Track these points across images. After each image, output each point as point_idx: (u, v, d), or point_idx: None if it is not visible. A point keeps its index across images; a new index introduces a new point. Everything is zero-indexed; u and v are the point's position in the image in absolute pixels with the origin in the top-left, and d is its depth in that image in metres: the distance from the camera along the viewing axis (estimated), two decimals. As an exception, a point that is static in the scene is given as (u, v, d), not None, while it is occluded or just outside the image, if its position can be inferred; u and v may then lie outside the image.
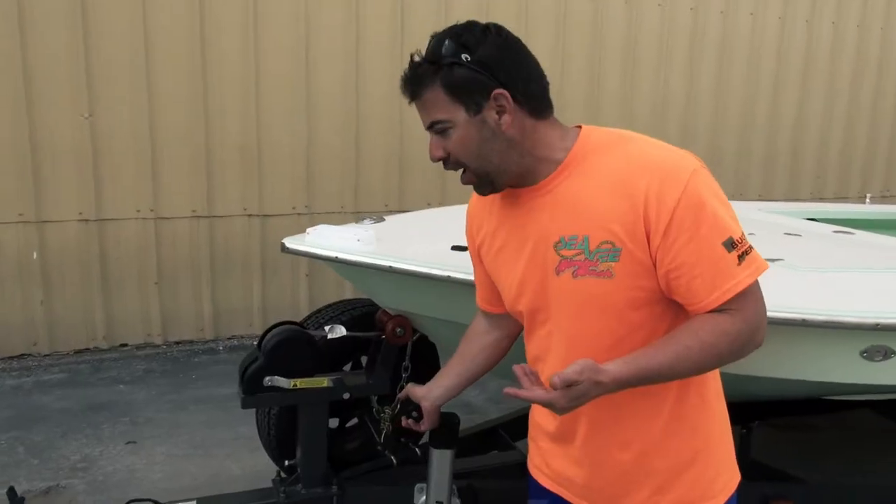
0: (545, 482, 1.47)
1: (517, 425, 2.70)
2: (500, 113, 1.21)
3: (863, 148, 6.96)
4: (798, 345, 1.72)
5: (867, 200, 4.19)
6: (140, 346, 4.56)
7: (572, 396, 1.13)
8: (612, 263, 1.19)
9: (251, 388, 1.98)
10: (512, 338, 1.63)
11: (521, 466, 2.42)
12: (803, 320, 1.61)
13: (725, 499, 1.34)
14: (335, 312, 2.43)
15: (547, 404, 1.15)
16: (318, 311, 2.47)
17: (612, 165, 1.21)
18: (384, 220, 2.39)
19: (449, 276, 1.80)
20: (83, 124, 4.22)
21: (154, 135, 4.39)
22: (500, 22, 1.26)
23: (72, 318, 4.37)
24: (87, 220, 4.32)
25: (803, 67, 6.47)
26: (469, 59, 1.18)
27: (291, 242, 1.97)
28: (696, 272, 1.15)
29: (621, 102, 5.82)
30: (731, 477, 1.37)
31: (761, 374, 1.68)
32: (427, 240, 2.20)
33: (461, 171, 1.27)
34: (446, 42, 1.19)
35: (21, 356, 4.29)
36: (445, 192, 5.25)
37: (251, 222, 4.75)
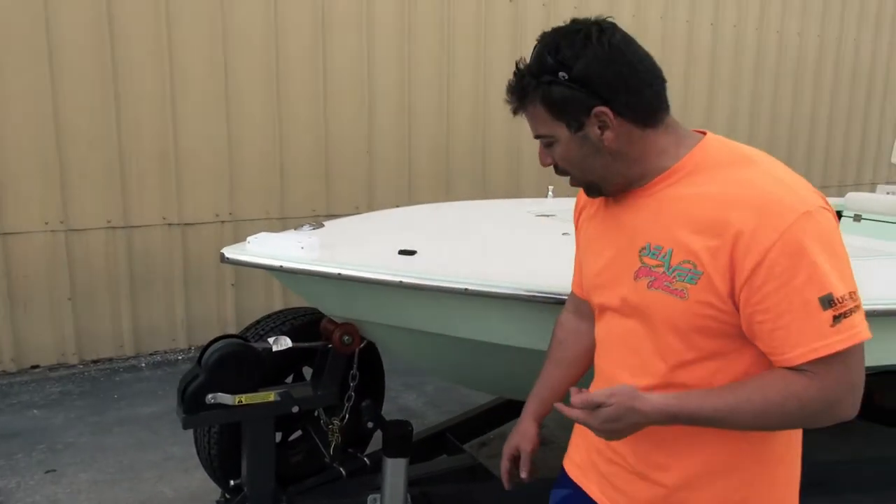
0: (575, 474, 1.43)
1: (465, 428, 2.71)
2: (602, 128, 1.18)
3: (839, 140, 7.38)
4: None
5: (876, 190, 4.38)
6: (53, 367, 4.27)
7: (604, 419, 1.11)
8: (689, 285, 1.13)
9: (192, 407, 1.88)
10: None
11: (472, 469, 2.45)
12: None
13: None
14: (275, 323, 2.35)
15: (585, 425, 1.14)
16: (257, 322, 2.39)
17: (721, 185, 1.13)
18: (324, 225, 2.32)
19: (401, 282, 1.77)
20: (-19, 131, 3.91)
21: (60, 139, 4.11)
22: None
23: (-26, 341, 4.05)
24: (-12, 235, 4.01)
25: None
26: (567, 77, 1.14)
27: (231, 252, 1.88)
28: (782, 322, 1.06)
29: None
30: None
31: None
32: (371, 244, 2.15)
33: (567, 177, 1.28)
34: (546, 56, 1.16)
35: (-83, 385, 3.93)
36: (372, 197, 5.19)
37: (171, 231, 4.54)
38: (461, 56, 5.40)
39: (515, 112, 1.23)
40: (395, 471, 1.95)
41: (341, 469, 2.26)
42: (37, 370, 4.22)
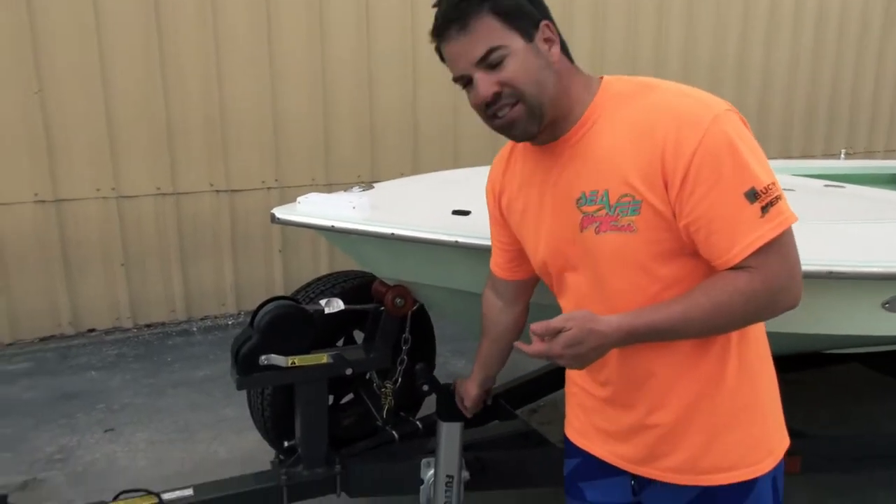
0: (579, 440, 1.44)
1: (517, 394, 2.66)
2: (548, 43, 1.18)
3: (825, 107, 7.04)
4: (822, 298, 1.68)
5: (842, 156, 4.21)
6: (109, 330, 4.37)
7: (566, 344, 1.10)
8: (633, 217, 1.14)
9: (246, 369, 1.87)
10: (526, 307, 1.62)
11: (525, 435, 2.40)
12: (829, 272, 1.57)
13: (772, 465, 1.28)
14: (325, 286, 2.32)
15: (547, 357, 1.13)
16: (308, 285, 2.36)
17: (633, 116, 1.16)
18: (373, 187, 2.27)
19: (456, 242, 1.71)
20: (33, 99, 3.96)
21: (109, 109, 4.15)
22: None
23: (34, 305, 4.16)
24: (43, 202, 4.09)
25: (769, 20, 6.47)
26: None
27: (282, 212, 1.85)
28: (715, 226, 1.09)
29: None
30: (779, 441, 1.31)
31: (783, 330, 1.64)
32: (424, 205, 2.10)
33: (504, 111, 1.18)
34: None
35: (-19, 347, 4.07)
36: (418, 163, 5.13)
37: (219, 198, 4.56)
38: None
39: (458, 32, 1.14)
40: (449, 435, 1.91)
41: (394, 432, 2.24)
42: (93, 333, 4.33)
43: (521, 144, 1.35)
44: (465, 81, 1.19)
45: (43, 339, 4.20)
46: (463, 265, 1.82)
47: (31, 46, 3.90)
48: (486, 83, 1.16)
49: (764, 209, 1.08)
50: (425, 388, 1.82)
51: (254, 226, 4.70)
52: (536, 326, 1.12)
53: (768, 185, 1.09)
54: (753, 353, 1.28)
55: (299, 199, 1.90)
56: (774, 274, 1.11)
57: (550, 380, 2.87)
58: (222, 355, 4.05)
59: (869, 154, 7.27)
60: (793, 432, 2.34)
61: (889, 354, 2.71)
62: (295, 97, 4.65)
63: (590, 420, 1.39)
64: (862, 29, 6.97)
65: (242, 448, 3.01)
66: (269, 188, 4.71)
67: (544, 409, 3.14)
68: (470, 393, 1.77)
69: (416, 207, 2.05)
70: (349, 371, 1.97)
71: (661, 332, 1.16)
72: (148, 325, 4.48)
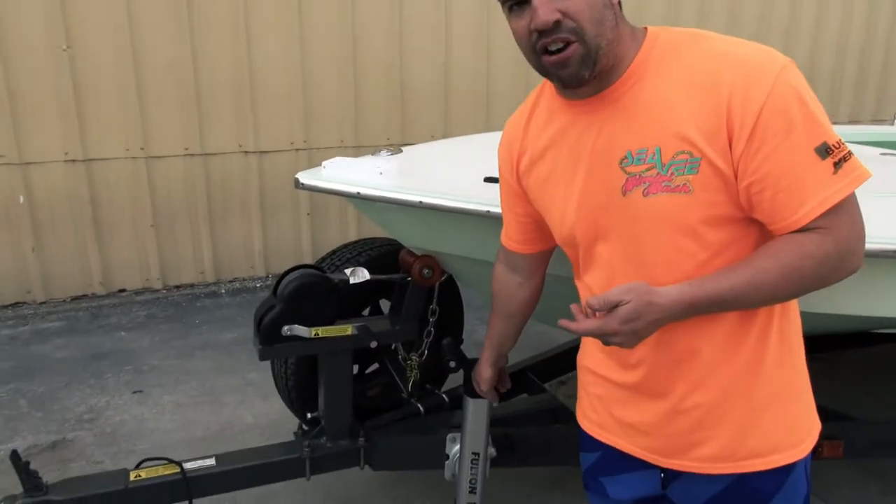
0: (597, 433, 1.34)
1: (544, 367, 2.58)
2: None
3: (878, 70, 6.69)
4: (884, 278, 1.56)
5: (894, 122, 3.98)
6: (139, 291, 4.39)
7: (624, 319, 1.02)
8: (690, 176, 1.03)
9: (269, 339, 1.82)
10: (542, 279, 1.53)
11: (554, 411, 2.33)
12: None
13: (811, 447, 1.21)
14: (351, 254, 2.26)
15: (601, 335, 1.05)
16: (333, 252, 2.30)
17: (689, 66, 1.05)
18: (402, 151, 2.17)
19: (488, 212, 1.62)
20: (62, 56, 3.92)
21: (139, 67, 4.09)
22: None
23: (66, 264, 4.18)
24: (73, 161, 4.08)
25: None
26: None
27: (306, 177, 1.76)
28: (783, 184, 1.00)
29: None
30: (814, 421, 1.24)
31: (846, 312, 1.53)
32: (454, 171, 2.00)
33: (559, 46, 1.05)
34: None
35: (15, 304, 4.12)
36: (448, 124, 5.00)
37: (248, 159, 4.51)
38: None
39: None
40: (476, 411, 1.84)
41: (419, 405, 2.18)
42: (124, 294, 4.35)
43: (543, 102, 1.24)
44: (518, 2, 1.06)
45: (75, 299, 4.23)
46: (494, 235, 1.73)
47: (59, 3, 3.84)
48: (547, 7, 1.02)
49: (836, 165, 0.99)
50: (452, 364, 1.74)
51: (282, 188, 4.64)
52: (593, 300, 1.04)
53: (838, 141, 1.00)
54: (794, 327, 1.21)
55: (324, 163, 1.81)
56: (845, 235, 1.03)
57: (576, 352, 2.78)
58: (250, 318, 3.95)
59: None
60: (835, 416, 2.25)
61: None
62: (324, 58, 4.54)
63: (609, 411, 1.30)
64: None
65: (268, 413, 3.00)
66: (297, 150, 4.64)
67: (573, 381, 3.06)
68: (484, 375, 1.69)
69: (447, 173, 1.95)
70: (374, 344, 1.91)
71: (725, 302, 1.06)
72: (177, 287, 4.49)
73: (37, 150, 3.98)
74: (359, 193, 1.72)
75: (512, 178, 1.33)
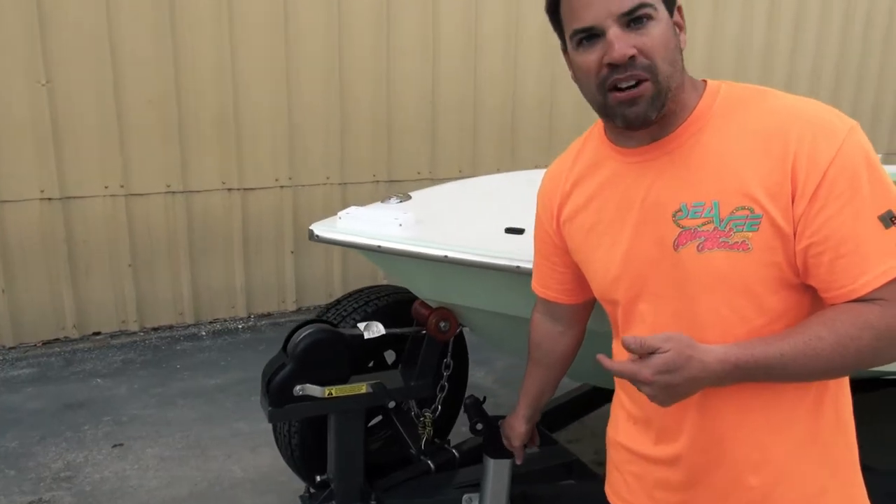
0: None
1: (554, 417, 2.50)
2: (679, 28, 1.06)
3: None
4: None
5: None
6: (115, 333, 4.21)
7: (658, 369, 0.95)
8: (750, 234, 0.99)
9: (280, 400, 1.71)
10: (584, 328, 1.47)
11: (568, 465, 2.25)
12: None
13: None
14: (357, 304, 2.17)
15: (634, 379, 0.98)
16: (338, 301, 2.21)
17: (754, 121, 1.02)
18: (411, 197, 2.11)
19: (518, 267, 1.55)
20: (40, 91, 3.78)
21: (120, 103, 3.97)
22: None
23: (38, 307, 3.99)
24: (49, 199, 3.91)
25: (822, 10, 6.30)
26: None
27: (321, 230, 1.69)
28: (844, 250, 0.95)
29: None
30: None
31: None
32: (471, 221, 1.93)
33: (630, 84, 1.01)
34: None
35: (-18, 350, 3.91)
36: (435, 163, 4.96)
37: (231, 196, 4.39)
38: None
39: None
40: (497, 472, 1.76)
41: (430, 462, 2.08)
42: (98, 337, 4.16)
43: (589, 150, 1.19)
44: (589, 36, 1.02)
45: (46, 343, 4.03)
46: (518, 288, 1.66)
47: (39, 36, 3.72)
48: (623, 41, 0.99)
49: None
50: (479, 426, 1.66)
51: (266, 225, 4.53)
52: (631, 339, 0.97)
53: None
54: (848, 409, 1.13)
55: (339, 213, 1.74)
56: None
57: (585, 400, 2.72)
58: (233, 362, 3.90)
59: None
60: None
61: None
62: (311, 93, 4.47)
63: (648, 493, 1.22)
64: None
65: (258, 467, 2.85)
66: (282, 186, 4.54)
67: (572, 426, 2.99)
68: (517, 430, 1.62)
69: (464, 223, 1.89)
70: (392, 403, 1.81)
71: (773, 369, 0.98)
72: (155, 329, 4.32)
73: (10, 187, 3.81)
74: (380, 247, 1.64)
75: (551, 227, 1.28)
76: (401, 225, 1.68)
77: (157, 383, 3.60)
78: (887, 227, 0.95)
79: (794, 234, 0.98)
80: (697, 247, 1.03)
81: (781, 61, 6.24)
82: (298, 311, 4.72)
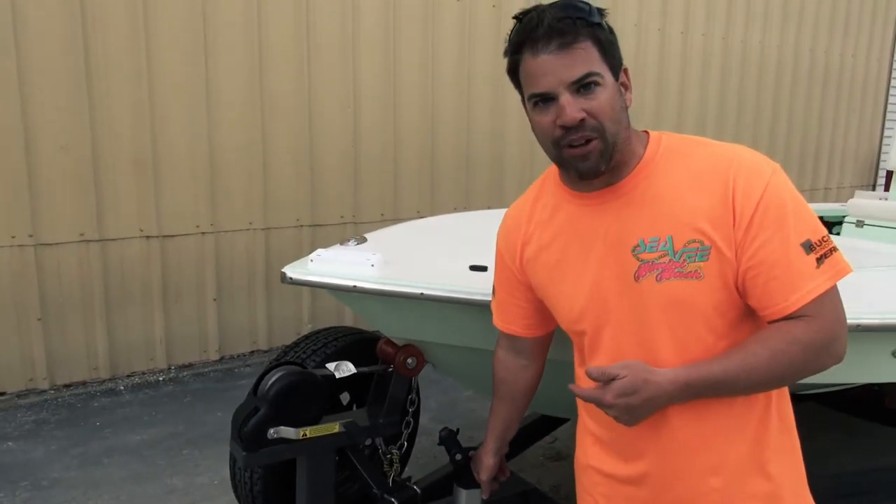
0: None
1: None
2: (625, 88, 1.20)
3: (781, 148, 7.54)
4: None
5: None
6: (22, 393, 3.92)
7: (619, 392, 1.11)
8: (701, 263, 1.13)
9: (254, 444, 1.70)
10: (544, 361, 1.58)
11: (525, 494, 2.32)
12: (857, 325, 1.62)
13: None
14: (316, 345, 2.18)
15: (597, 403, 1.15)
16: (296, 344, 2.21)
17: (694, 165, 1.18)
18: (366, 239, 2.16)
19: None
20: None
21: (29, 148, 3.78)
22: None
23: (-67, 368, 3.67)
24: (-52, 250, 3.65)
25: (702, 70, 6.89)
26: (609, 27, 1.17)
27: (294, 272, 1.71)
28: (775, 273, 1.11)
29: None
30: None
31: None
32: (433, 260, 2.01)
33: (581, 142, 1.15)
34: (587, 4, 1.14)
35: None
36: (359, 206, 5.00)
37: (150, 244, 4.24)
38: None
39: (558, 49, 1.12)
40: (470, 502, 1.81)
41: (393, 500, 2.09)
42: (4, 397, 3.86)
43: (547, 193, 1.32)
44: (544, 99, 1.15)
45: (-57, 407, 3.70)
46: (485, 323, 1.75)
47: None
48: (573, 106, 1.12)
49: (819, 260, 1.11)
50: (458, 457, 1.71)
51: (187, 273, 4.40)
52: (593, 370, 1.13)
53: (823, 237, 1.13)
54: (791, 418, 1.29)
55: (310, 256, 1.78)
56: (829, 323, 1.12)
57: (537, 428, 2.81)
58: (158, 416, 3.72)
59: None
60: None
61: (846, 392, 2.86)
62: (232, 136, 4.42)
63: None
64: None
65: (200, 522, 2.75)
66: (203, 233, 4.43)
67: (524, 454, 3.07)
68: (486, 464, 1.68)
69: (430, 263, 1.96)
70: (368, 441, 1.83)
71: (718, 384, 1.14)
72: (67, 385, 4.06)
73: None
74: (355, 287, 1.69)
75: (514, 265, 1.38)
76: (373, 265, 1.74)
77: (77, 443, 3.39)
78: (808, 253, 1.11)
79: (736, 258, 1.14)
80: (656, 277, 1.17)
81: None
82: (221, 360, 4.58)
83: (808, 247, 1.11)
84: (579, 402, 1.39)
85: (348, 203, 4.96)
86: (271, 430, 1.71)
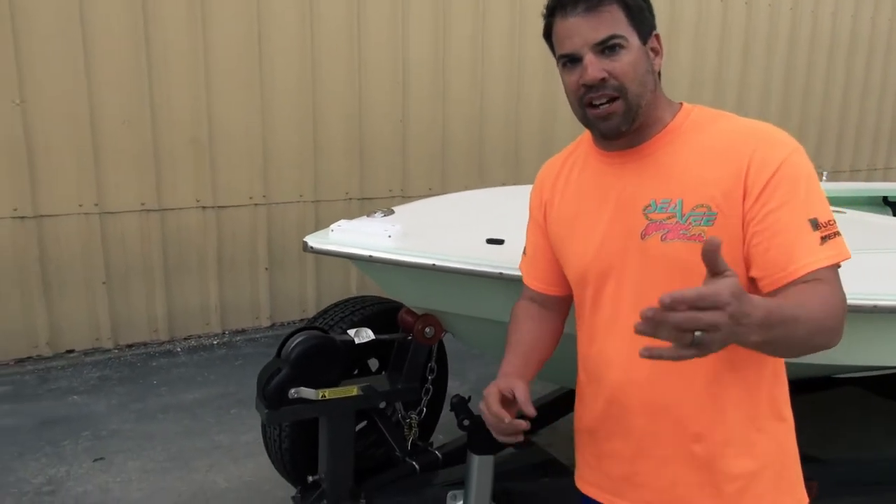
0: (597, 494, 1.39)
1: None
2: (655, 53, 1.22)
3: (816, 123, 7.26)
4: (865, 331, 1.70)
5: (824, 177, 4.32)
6: (88, 351, 4.20)
7: (734, 291, 0.87)
8: (706, 227, 1.15)
9: (275, 402, 1.81)
10: (563, 324, 1.52)
11: (543, 465, 2.37)
12: (874, 306, 1.59)
13: None
14: (344, 313, 2.27)
15: (711, 301, 0.86)
16: (325, 311, 2.30)
17: (716, 137, 1.20)
18: (394, 211, 2.23)
19: (500, 274, 1.68)
20: (14, 110, 3.81)
21: (94, 121, 4.01)
22: None
23: (10, 325, 3.97)
24: (22, 217, 3.92)
25: (766, 45, 6.65)
26: None
27: (315, 241, 1.79)
28: (777, 241, 1.12)
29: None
30: (800, 499, 1.30)
31: (829, 362, 1.65)
32: (455, 233, 2.06)
33: (603, 101, 1.18)
34: None
35: (-47, 369, 3.87)
36: (407, 180, 5.09)
37: (205, 214, 4.45)
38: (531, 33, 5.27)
39: (585, 11, 1.16)
40: (481, 468, 1.86)
41: (414, 463, 2.19)
42: (72, 354, 4.16)
43: (581, 150, 1.36)
44: (571, 59, 1.20)
45: (19, 361, 4.01)
46: (501, 295, 1.80)
47: (13, 56, 3.75)
48: (596, 66, 1.17)
49: (824, 239, 1.11)
50: (466, 422, 1.77)
51: (240, 243, 4.59)
52: (667, 296, 0.86)
53: (830, 220, 1.13)
54: (783, 397, 1.28)
55: (332, 226, 1.85)
56: (840, 295, 1.11)
57: (560, 405, 2.85)
58: (210, 377, 3.94)
59: (836, 174, 7.50)
60: (804, 458, 2.38)
61: (890, 378, 2.77)
62: (284, 111, 4.57)
63: (602, 468, 1.37)
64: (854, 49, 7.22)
65: (241, 476, 2.91)
66: (256, 204, 4.61)
67: (543, 432, 3.12)
68: (512, 379, 1.31)
69: (448, 236, 2.01)
70: (382, 404, 1.92)
71: (788, 326, 0.98)
72: (129, 346, 4.33)
73: (-17, 206, 3.82)
74: (371, 257, 1.76)
75: (540, 216, 1.43)
76: (390, 236, 1.80)
77: (136, 399, 3.63)
78: (814, 229, 1.11)
79: (744, 228, 1.14)
80: (661, 237, 1.19)
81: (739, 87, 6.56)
82: (272, 326, 4.77)
83: (815, 224, 1.12)
84: (579, 363, 1.41)
85: (396, 177, 5.05)
86: (292, 391, 1.81)
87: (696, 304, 0.86)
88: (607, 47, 1.16)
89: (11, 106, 3.80)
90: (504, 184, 5.41)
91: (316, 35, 4.58)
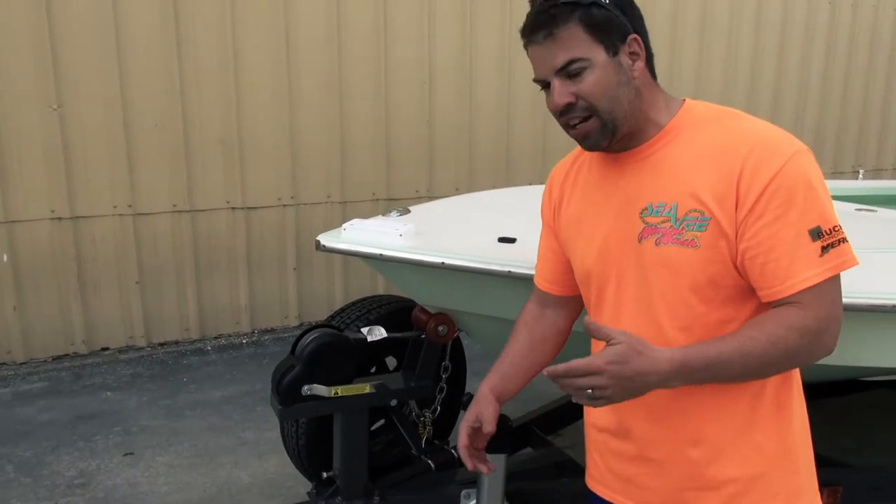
0: (604, 493, 1.38)
1: (549, 420, 2.62)
2: (633, 59, 1.19)
3: (855, 123, 7.07)
4: (880, 331, 1.66)
5: (860, 176, 4.20)
6: (122, 349, 4.32)
7: (612, 359, 1.01)
8: (699, 233, 1.13)
9: (289, 399, 1.84)
10: (570, 329, 1.53)
11: (560, 465, 2.36)
12: (893, 306, 1.54)
13: None
14: (360, 311, 2.29)
15: (587, 371, 1.02)
16: (342, 310, 2.33)
17: (715, 137, 1.17)
18: (410, 211, 2.24)
19: (509, 272, 1.68)
20: (51, 116, 3.94)
21: (128, 126, 4.12)
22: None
23: (48, 323, 4.11)
24: (60, 219, 4.05)
25: (782, 42, 6.50)
26: (607, 1, 1.16)
27: (328, 240, 1.82)
28: (773, 256, 1.09)
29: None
30: (810, 501, 1.27)
31: (831, 363, 1.61)
32: (468, 232, 2.07)
33: (577, 122, 1.19)
34: None
35: (-6, 365, 4.02)
36: (433, 181, 5.11)
37: (235, 215, 4.53)
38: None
39: (543, 39, 1.15)
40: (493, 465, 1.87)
41: (430, 461, 2.20)
42: (107, 352, 4.27)
43: (589, 154, 1.35)
44: (544, 85, 1.21)
45: (56, 358, 4.14)
46: (512, 294, 1.79)
47: (51, 63, 3.88)
48: (561, 92, 1.17)
49: (824, 249, 1.08)
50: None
51: (269, 243, 4.67)
52: (591, 323, 1.06)
53: (834, 227, 1.09)
54: (795, 403, 1.25)
55: (344, 225, 1.87)
56: (824, 313, 1.10)
57: (579, 406, 2.83)
58: (238, 375, 4.01)
59: (878, 172, 7.29)
60: (831, 462, 2.32)
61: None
62: (312, 113, 4.63)
63: (608, 466, 1.36)
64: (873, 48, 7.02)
65: (265, 473, 2.96)
66: (284, 205, 4.68)
67: (567, 432, 3.10)
68: (485, 400, 1.42)
69: (461, 234, 2.02)
70: (394, 402, 1.93)
71: (714, 368, 1.09)
72: (162, 344, 4.43)
73: (22, 208, 3.95)
74: (381, 255, 1.77)
75: (551, 217, 1.43)
76: (401, 235, 1.81)
77: (166, 395, 3.72)
78: (814, 240, 1.08)
79: (736, 237, 1.12)
80: (656, 241, 1.18)
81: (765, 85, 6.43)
82: (301, 325, 4.84)
83: (817, 234, 1.08)
84: None
85: (423, 178, 5.07)
86: (305, 387, 1.84)
87: (570, 374, 1.02)
88: (568, 72, 1.16)
89: (49, 111, 3.93)
90: (531, 184, 5.39)
91: (343, 37, 4.63)
